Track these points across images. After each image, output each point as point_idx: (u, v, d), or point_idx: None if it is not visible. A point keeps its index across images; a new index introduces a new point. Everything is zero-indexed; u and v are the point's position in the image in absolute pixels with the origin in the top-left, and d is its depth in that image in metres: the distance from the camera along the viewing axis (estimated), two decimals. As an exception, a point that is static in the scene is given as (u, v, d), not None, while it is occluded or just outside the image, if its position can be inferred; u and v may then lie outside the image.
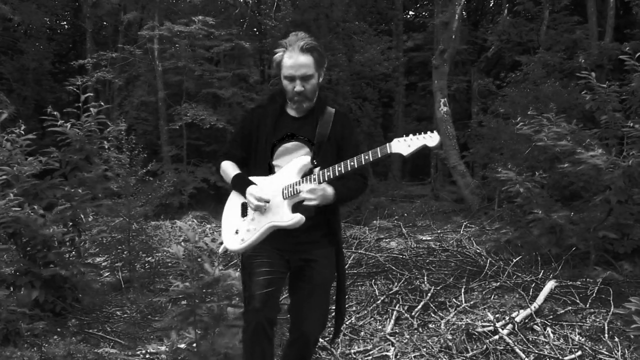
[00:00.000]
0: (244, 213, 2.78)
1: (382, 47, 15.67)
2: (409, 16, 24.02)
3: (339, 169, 2.56)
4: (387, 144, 2.53)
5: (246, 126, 2.88)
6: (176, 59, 14.38)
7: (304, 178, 2.63)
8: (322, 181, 2.58)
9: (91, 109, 5.38)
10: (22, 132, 4.95)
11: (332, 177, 2.57)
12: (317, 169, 2.63)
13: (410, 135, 2.54)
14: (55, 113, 5.18)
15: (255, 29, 19.09)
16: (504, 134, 9.87)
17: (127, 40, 17.04)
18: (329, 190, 2.59)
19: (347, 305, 5.01)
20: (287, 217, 2.63)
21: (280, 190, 2.67)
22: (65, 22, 23.07)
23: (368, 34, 15.96)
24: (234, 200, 2.86)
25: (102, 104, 5.60)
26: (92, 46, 17.89)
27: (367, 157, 2.53)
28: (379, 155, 2.52)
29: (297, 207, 2.65)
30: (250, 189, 2.70)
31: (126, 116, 14.43)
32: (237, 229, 2.77)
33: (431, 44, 18.14)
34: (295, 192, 2.63)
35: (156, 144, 15.66)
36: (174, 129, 14.17)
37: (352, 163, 2.54)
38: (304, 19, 14.78)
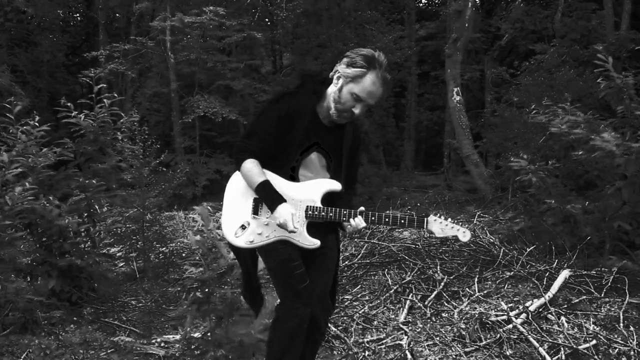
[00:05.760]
0: (257, 212, 2.72)
1: (395, 36, 15.59)
2: (421, 4, 23.85)
3: (386, 219, 2.68)
4: (425, 219, 2.70)
5: (282, 123, 2.68)
6: (188, 50, 14.42)
7: (352, 212, 2.67)
8: (368, 222, 2.68)
9: (104, 100, 5.41)
10: (37, 123, 4.99)
11: (376, 221, 2.68)
12: (362, 207, 2.70)
13: (448, 221, 2.72)
14: (69, 104, 5.22)
15: (266, 19, 19.07)
16: (517, 123, 9.79)
17: (139, 31, 17.12)
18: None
19: (360, 295, 5.06)
20: (308, 241, 2.68)
21: (304, 208, 2.68)
22: (78, 14, 23.22)
23: (380, 23, 15.87)
24: (241, 190, 2.75)
25: (116, 95, 5.63)
26: (105, 38, 18.02)
27: (402, 221, 2.69)
28: (415, 225, 2.70)
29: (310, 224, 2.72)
30: (283, 209, 2.59)
31: (139, 107, 14.52)
32: (244, 224, 2.71)
33: (444, 32, 18.02)
34: (322, 218, 2.68)
35: (169, 135, 15.76)
36: (187, 120, 14.25)
37: (387, 219, 2.69)
38: (315, 8, 14.73)
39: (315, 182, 2.72)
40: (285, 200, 2.63)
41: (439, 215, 2.73)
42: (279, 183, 2.69)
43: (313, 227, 2.70)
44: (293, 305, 2.65)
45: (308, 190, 2.70)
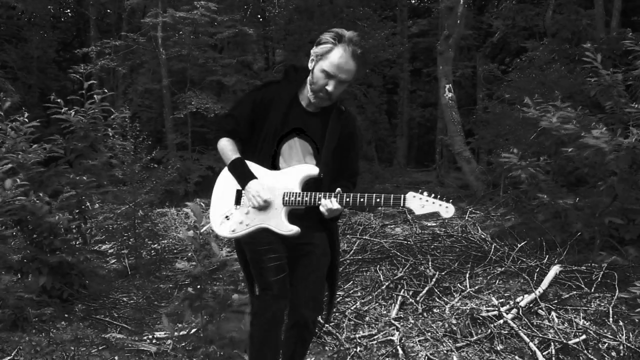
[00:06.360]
0: (238, 201, 2.71)
1: (387, 33, 15.59)
2: (413, 1, 23.85)
3: (361, 199, 2.57)
4: (402, 196, 2.55)
5: (257, 108, 2.72)
6: (180, 46, 14.35)
7: (326, 194, 2.59)
8: (342, 204, 2.58)
9: (95, 96, 5.38)
10: (26, 119, 4.96)
11: (350, 203, 2.58)
12: (338, 189, 2.61)
13: (427, 197, 2.54)
14: (59, 100, 5.19)
15: (258, 16, 19.02)
16: (509, 120, 9.83)
17: (130, 27, 17.03)
18: (341, 209, 2.62)
19: (352, 291, 5.07)
20: (285, 227, 2.62)
21: (281, 195, 2.63)
22: (68, 10, 23.05)
23: (372, 19, 15.86)
24: (228, 182, 2.76)
25: (106, 91, 5.60)
26: (96, 34, 17.89)
27: (378, 200, 2.55)
28: (391, 204, 2.56)
29: (292, 213, 2.67)
30: (252, 185, 2.62)
31: (130, 104, 14.45)
32: (227, 215, 2.71)
33: (436, 29, 18.03)
34: (298, 204, 2.62)
35: (161, 132, 15.70)
36: (179, 117, 14.19)
37: (362, 200, 2.56)
38: (307, 4, 14.70)
39: (293, 169, 2.68)
40: (255, 177, 2.64)
41: (419, 191, 2.57)
42: (258, 171, 2.68)
43: (301, 225, 2.65)
44: (265, 298, 2.63)
45: (286, 177, 2.66)
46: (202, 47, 14.82)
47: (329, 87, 2.60)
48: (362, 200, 2.57)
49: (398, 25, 18.17)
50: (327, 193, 2.60)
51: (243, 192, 2.68)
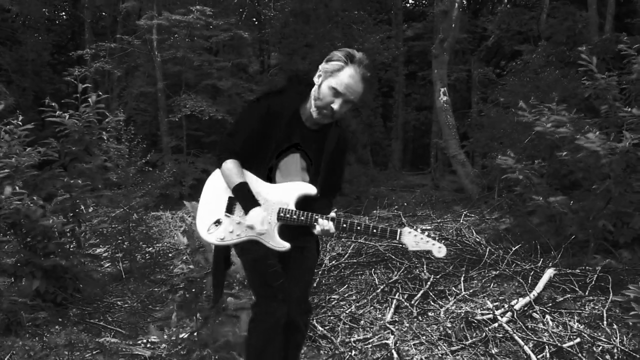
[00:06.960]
0: (230, 210, 2.70)
1: (382, 36, 15.63)
2: (408, 5, 23.95)
3: (358, 227, 2.62)
4: (399, 231, 2.61)
5: (262, 121, 2.67)
6: (175, 49, 14.34)
7: (324, 217, 2.59)
8: (339, 229, 2.61)
9: (89, 99, 5.36)
10: (20, 123, 4.94)
11: (347, 229, 2.61)
12: (333, 213, 2.63)
13: (424, 235, 2.62)
14: (53, 104, 5.17)
15: (254, 19, 19.04)
16: (503, 123, 9.86)
17: (125, 30, 17.00)
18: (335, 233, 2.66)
19: (347, 294, 5.07)
20: (277, 243, 2.62)
21: (276, 210, 2.64)
22: (63, 13, 23.02)
23: (367, 23, 15.90)
24: (218, 188, 2.74)
25: (101, 94, 5.58)
26: (91, 37, 17.86)
27: (375, 231, 2.62)
28: (386, 236, 2.63)
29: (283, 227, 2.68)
30: (254, 212, 2.59)
31: (125, 107, 14.41)
32: (217, 222, 2.70)
33: (431, 33, 18.08)
34: (294, 221, 2.62)
35: (156, 135, 15.66)
36: (174, 120, 14.17)
37: (359, 227, 2.62)
38: (303, 8, 14.71)
39: (291, 185, 2.68)
40: (259, 204, 2.62)
41: (414, 227, 2.65)
42: (255, 183, 2.67)
43: (291, 228, 2.66)
44: (268, 305, 2.64)
45: (283, 192, 2.66)
46: (197, 50, 14.81)
47: (335, 106, 2.59)
48: (359, 228, 2.63)
49: (393, 29, 18.23)
50: (324, 216, 2.62)
51: (246, 214, 2.63)
